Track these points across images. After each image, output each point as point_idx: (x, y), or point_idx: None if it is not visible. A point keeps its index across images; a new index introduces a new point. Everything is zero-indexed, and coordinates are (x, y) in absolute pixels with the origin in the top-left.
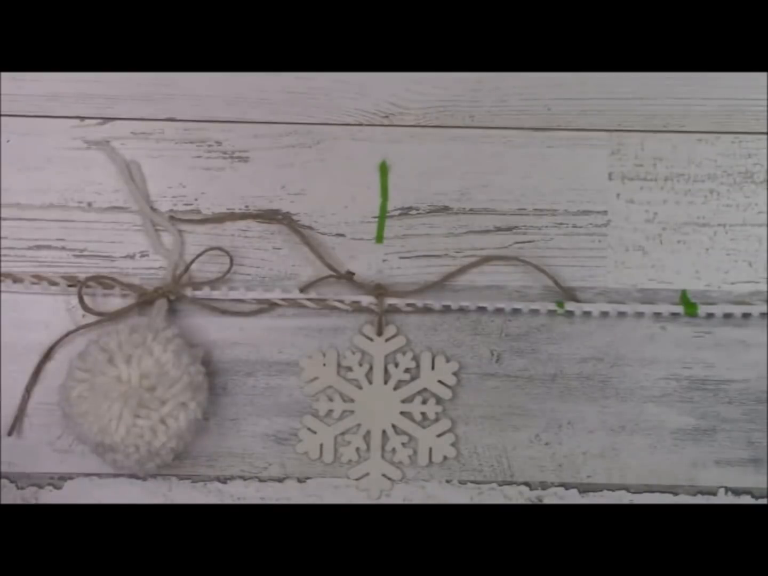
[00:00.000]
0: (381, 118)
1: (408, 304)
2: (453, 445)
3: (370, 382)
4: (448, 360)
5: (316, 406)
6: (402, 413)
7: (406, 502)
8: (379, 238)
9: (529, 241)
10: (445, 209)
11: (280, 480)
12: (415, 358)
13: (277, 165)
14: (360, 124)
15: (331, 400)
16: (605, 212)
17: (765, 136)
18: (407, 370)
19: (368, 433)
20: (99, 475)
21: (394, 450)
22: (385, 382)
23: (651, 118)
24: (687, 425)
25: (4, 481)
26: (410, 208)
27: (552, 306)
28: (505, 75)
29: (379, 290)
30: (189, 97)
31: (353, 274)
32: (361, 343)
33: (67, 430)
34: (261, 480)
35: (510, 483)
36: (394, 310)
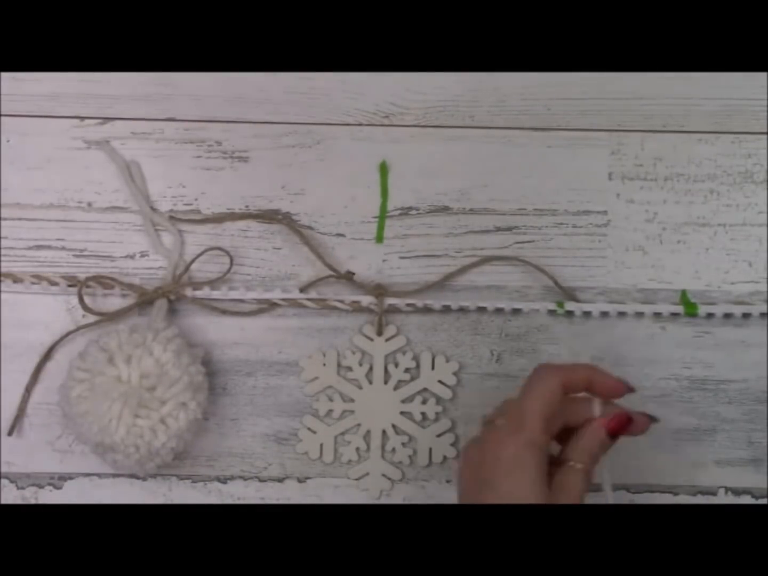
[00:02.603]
0: (381, 118)
1: (408, 304)
2: (453, 445)
3: (370, 382)
4: (448, 360)
5: (316, 406)
6: (402, 413)
7: (406, 502)
8: (379, 238)
9: (529, 241)
10: (445, 209)
11: (280, 480)
12: (415, 358)
13: (277, 165)
14: (360, 124)
15: (331, 400)
16: (605, 212)
17: (765, 136)
18: (407, 370)
19: (368, 433)
20: (99, 475)
21: (394, 450)
22: (385, 382)
23: (651, 118)
24: (687, 425)
25: (4, 481)
26: (410, 208)
27: (552, 306)
28: (505, 75)
29: (379, 290)
30: (189, 97)
31: (353, 274)
32: (361, 343)
33: (67, 430)
34: (261, 480)
35: None
36: (394, 310)
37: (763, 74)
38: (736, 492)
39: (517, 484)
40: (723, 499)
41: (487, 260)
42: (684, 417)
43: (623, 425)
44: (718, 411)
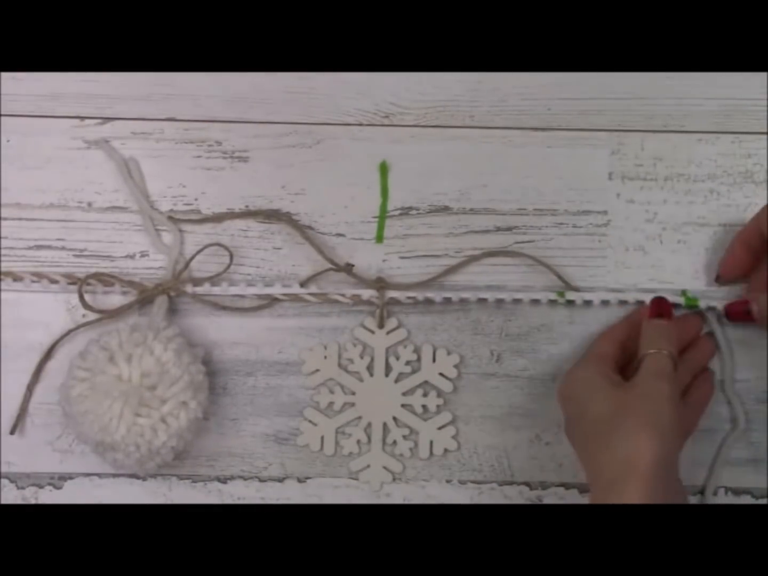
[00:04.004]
0: (381, 118)
1: (409, 297)
2: (454, 437)
3: (371, 375)
4: (449, 353)
5: (317, 399)
6: (403, 406)
7: (406, 502)
8: (379, 238)
9: (529, 241)
10: (445, 209)
11: (280, 480)
12: (416, 351)
13: (277, 165)
14: (360, 124)
15: (332, 392)
16: (605, 212)
17: (765, 136)
18: (408, 363)
19: (369, 425)
20: (99, 475)
21: (395, 442)
22: (386, 375)
23: (651, 118)
24: None
25: (4, 481)
26: (410, 208)
27: (552, 296)
28: (505, 75)
29: (380, 283)
30: (189, 97)
31: (352, 266)
32: (362, 336)
33: (67, 429)
34: (261, 480)
35: (510, 483)
36: (394, 303)
37: (763, 74)
38: (736, 492)
39: (589, 386)
40: (723, 499)
41: (487, 255)
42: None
43: (657, 303)
44: (718, 411)
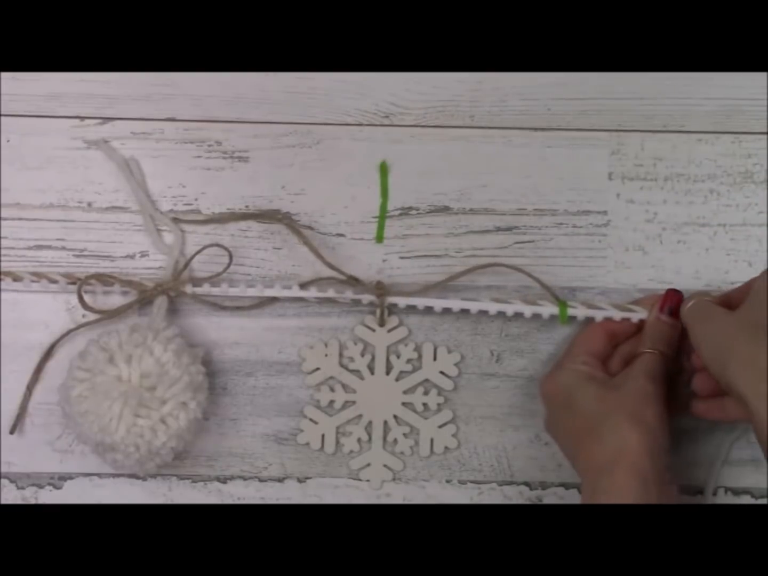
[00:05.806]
0: (381, 118)
1: (409, 306)
2: (454, 435)
3: (372, 373)
4: (449, 351)
5: (318, 397)
6: (404, 404)
7: (406, 502)
8: (379, 238)
9: (529, 241)
10: (445, 209)
11: (280, 480)
12: (417, 349)
13: (277, 165)
14: (360, 124)
15: (332, 390)
16: (605, 212)
17: (765, 136)
18: (409, 361)
19: (370, 423)
20: (99, 475)
21: (395, 441)
22: (387, 373)
23: (651, 118)
24: (687, 425)
25: (4, 481)
26: (410, 208)
27: (555, 311)
28: (505, 75)
29: (380, 290)
30: (189, 97)
31: (357, 279)
32: (363, 334)
33: (67, 429)
34: (261, 480)
35: (510, 483)
36: (394, 308)
37: (763, 74)
38: (736, 492)
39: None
40: (723, 499)
41: (476, 268)
42: (683, 417)
43: (670, 297)
44: None
